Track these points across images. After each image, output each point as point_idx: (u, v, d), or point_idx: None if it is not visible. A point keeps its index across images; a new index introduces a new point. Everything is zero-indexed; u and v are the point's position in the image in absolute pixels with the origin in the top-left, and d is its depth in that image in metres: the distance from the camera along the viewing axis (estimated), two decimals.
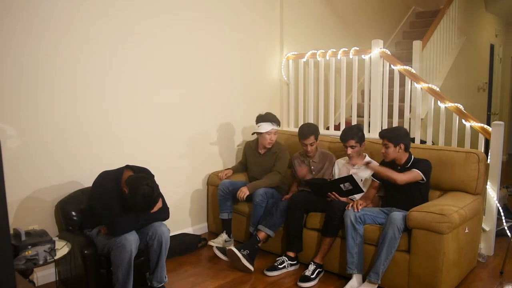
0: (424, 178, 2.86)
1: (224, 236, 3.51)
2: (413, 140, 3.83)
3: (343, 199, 3.07)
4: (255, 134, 3.58)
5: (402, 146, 2.90)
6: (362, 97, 4.98)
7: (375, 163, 3.04)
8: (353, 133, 3.15)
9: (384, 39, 4.60)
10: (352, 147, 3.15)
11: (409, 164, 2.93)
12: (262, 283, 2.95)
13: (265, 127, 3.46)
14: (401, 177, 2.82)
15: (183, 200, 3.79)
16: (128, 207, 2.52)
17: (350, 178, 2.97)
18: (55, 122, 2.88)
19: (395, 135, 2.91)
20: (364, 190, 3.10)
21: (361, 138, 3.17)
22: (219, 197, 3.45)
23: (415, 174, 2.84)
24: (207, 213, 3.98)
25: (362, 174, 3.20)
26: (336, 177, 3.32)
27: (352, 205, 2.87)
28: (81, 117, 3.01)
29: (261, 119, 3.52)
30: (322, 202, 3.14)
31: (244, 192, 3.31)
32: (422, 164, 2.90)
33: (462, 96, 5.50)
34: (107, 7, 3.06)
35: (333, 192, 3.07)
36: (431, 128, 3.74)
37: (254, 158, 3.61)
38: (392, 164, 2.98)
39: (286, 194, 3.51)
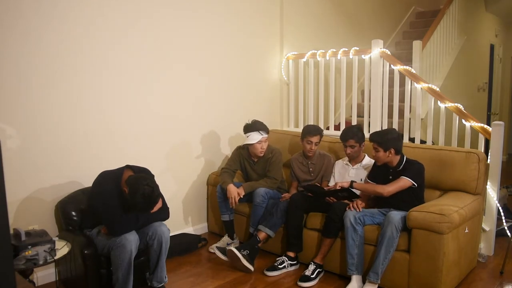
0: (414, 183, 2.82)
1: (226, 239, 3.51)
2: (413, 140, 3.83)
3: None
4: (247, 146, 3.42)
5: (393, 150, 2.85)
6: (362, 97, 4.98)
7: (358, 183, 2.95)
8: (353, 133, 3.15)
9: (384, 39, 4.60)
10: (351, 146, 3.15)
11: (401, 166, 2.90)
12: (262, 283, 2.95)
13: (254, 137, 3.32)
14: (387, 189, 2.79)
15: (183, 200, 3.79)
16: (128, 207, 2.52)
17: (348, 190, 2.96)
18: (55, 122, 2.88)
19: (385, 140, 2.85)
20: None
21: (360, 138, 3.18)
22: (218, 199, 3.43)
23: (403, 183, 2.80)
24: (207, 213, 3.98)
25: (362, 175, 3.21)
26: (336, 177, 3.33)
27: (352, 206, 2.87)
28: (81, 117, 3.01)
29: (249, 128, 3.36)
30: (322, 203, 3.14)
31: (235, 196, 3.24)
32: (412, 170, 2.84)
33: (462, 96, 5.49)
34: (106, 7, 3.06)
35: (331, 198, 3.08)
36: (431, 128, 3.74)
37: (249, 166, 3.54)
38: (384, 167, 2.97)
39: (285, 193, 3.49)
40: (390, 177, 2.92)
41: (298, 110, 4.45)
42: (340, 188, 2.96)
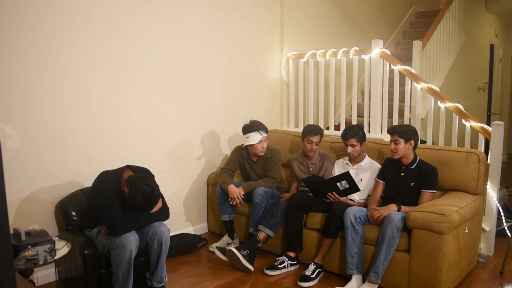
0: (435, 191, 2.90)
1: (226, 238, 3.52)
2: None
3: (343, 198, 3.07)
4: (247, 146, 3.42)
5: (413, 142, 2.90)
6: (362, 97, 4.98)
7: (404, 207, 2.84)
8: (354, 132, 3.16)
9: (384, 39, 4.60)
10: (352, 146, 3.15)
11: (414, 165, 2.92)
12: (262, 283, 2.95)
13: (254, 137, 3.33)
14: None
15: (183, 200, 3.79)
16: (128, 207, 2.52)
17: (346, 176, 2.97)
18: (55, 122, 2.88)
19: (406, 130, 2.91)
20: (361, 188, 3.10)
21: (362, 138, 3.18)
22: (218, 199, 3.44)
23: (428, 197, 2.86)
24: (207, 213, 3.98)
25: (362, 175, 3.21)
26: None
27: (372, 217, 2.84)
28: (81, 117, 3.01)
29: (248, 129, 3.36)
30: (322, 203, 3.14)
31: (237, 195, 3.26)
32: (432, 179, 2.87)
33: (462, 96, 5.50)
34: (103, 7, 3.06)
35: (332, 192, 3.06)
36: (431, 128, 3.74)
37: (248, 165, 3.54)
38: (396, 164, 2.97)
39: (285, 193, 3.50)
40: (402, 174, 2.94)
41: (298, 110, 4.45)
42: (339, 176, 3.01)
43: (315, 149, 3.39)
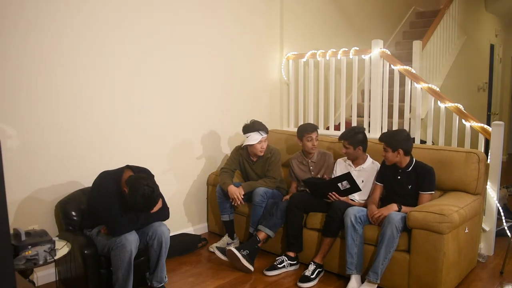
0: (433, 192, 2.89)
1: (226, 238, 3.52)
2: (413, 140, 3.82)
3: (343, 198, 3.07)
4: (246, 146, 3.43)
5: (401, 151, 2.86)
6: (362, 97, 4.98)
7: (405, 207, 2.86)
8: (346, 135, 3.19)
9: (384, 39, 4.60)
10: (345, 147, 3.17)
11: (410, 168, 2.91)
12: (262, 283, 2.95)
13: (254, 137, 3.35)
14: None
15: (183, 200, 3.79)
16: (128, 207, 2.52)
17: (347, 176, 2.97)
18: (55, 122, 2.88)
19: (393, 140, 2.87)
20: (361, 189, 3.10)
21: (355, 142, 3.15)
22: (218, 199, 3.44)
23: (427, 199, 2.85)
24: (207, 213, 3.98)
25: (363, 176, 3.20)
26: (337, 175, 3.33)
27: (372, 217, 2.85)
28: (81, 117, 3.01)
29: (248, 129, 3.38)
30: (322, 203, 3.14)
31: (237, 196, 3.27)
32: (429, 180, 2.86)
33: (462, 96, 5.50)
34: (106, 7, 3.06)
35: (333, 192, 3.06)
36: (431, 128, 3.74)
37: (248, 165, 3.55)
38: (393, 167, 2.97)
39: (285, 193, 3.51)
40: (399, 177, 2.94)
41: (298, 110, 4.45)
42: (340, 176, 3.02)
43: (316, 145, 3.40)
